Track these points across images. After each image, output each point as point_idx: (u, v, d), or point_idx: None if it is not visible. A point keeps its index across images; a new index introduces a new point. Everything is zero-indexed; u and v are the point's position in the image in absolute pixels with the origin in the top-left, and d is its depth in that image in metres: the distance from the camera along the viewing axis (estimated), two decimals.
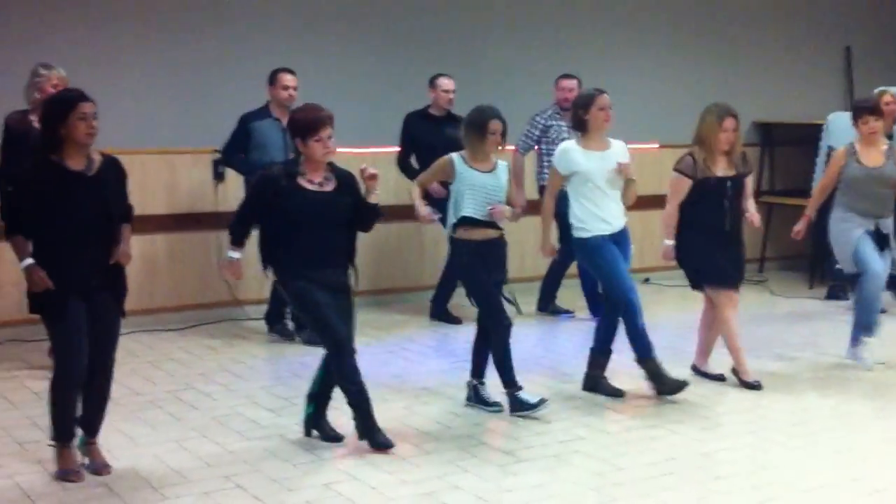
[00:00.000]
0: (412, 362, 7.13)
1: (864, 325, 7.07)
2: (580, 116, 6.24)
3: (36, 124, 6.03)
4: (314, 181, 5.28)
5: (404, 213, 8.35)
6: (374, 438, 5.34)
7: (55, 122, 4.75)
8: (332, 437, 5.50)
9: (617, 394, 6.36)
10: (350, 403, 5.37)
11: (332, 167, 5.37)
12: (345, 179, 5.38)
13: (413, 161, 8.19)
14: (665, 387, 6.26)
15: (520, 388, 5.96)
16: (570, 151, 6.23)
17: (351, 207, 5.34)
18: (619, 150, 6.30)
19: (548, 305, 8.68)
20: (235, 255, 5.41)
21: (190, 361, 7.06)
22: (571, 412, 6.10)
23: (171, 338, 7.68)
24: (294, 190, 5.22)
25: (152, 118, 7.93)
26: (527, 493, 4.92)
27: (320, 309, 5.24)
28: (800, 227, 7.25)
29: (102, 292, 4.90)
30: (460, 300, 7.73)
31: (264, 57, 7.93)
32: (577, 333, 7.90)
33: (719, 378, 6.71)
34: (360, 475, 5.06)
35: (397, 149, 8.30)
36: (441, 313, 8.29)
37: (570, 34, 9.75)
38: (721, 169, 6.42)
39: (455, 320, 8.19)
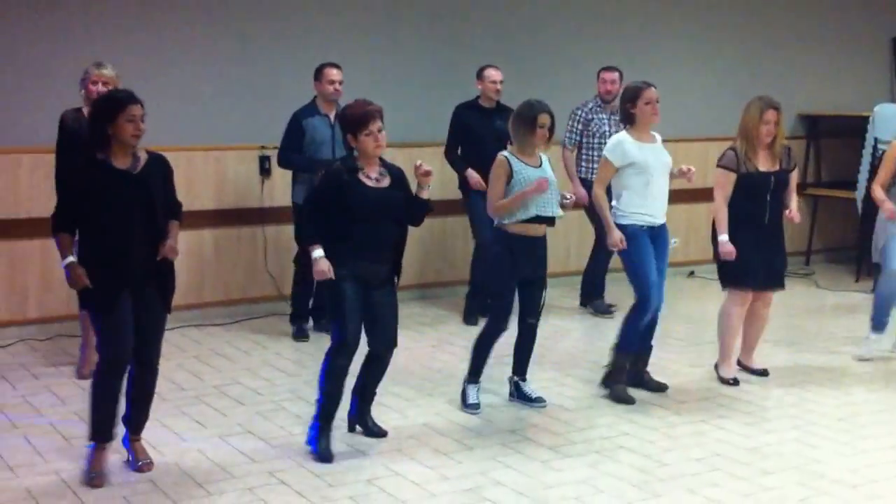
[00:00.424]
0: (456, 357, 7.13)
1: (874, 321, 7.10)
2: (627, 110, 6.20)
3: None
4: (371, 176, 5.29)
5: (450, 207, 8.41)
6: (318, 444, 5.27)
7: (103, 122, 4.79)
8: (375, 432, 5.52)
9: (660, 388, 6.36)
10: (318, 401, 5.32)
11: (383, 162, 5.39)
12: (397, 175, 5.39)
13: (459, 152, 8.21)
14: (611, 392, 6.23)
15: (478, 384, 6.03)
16: (624, 143, 6.17)
17: (403, 203, 5.36)
18: (662, 147, 6.28)
19: (589, 301, 8.65)
20: (319, 252, 5.25)
21: (236, 356, 7.11)
22: (615, 407, 6.08)
23: (218, 332, 7.74)
24: (355, 185, 5.23)
25: (199, 115, 7.98)
26: (570, 489, 4.91)
27: (344, 303, 5.22)
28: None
29: (148, 288, 4.94)
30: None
31: (310, 52, 7.95)
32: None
33: (763, 373, 6.66)
34: (402, 470, 5.08)
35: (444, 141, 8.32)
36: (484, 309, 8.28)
37: (614, 25, 9.69)
38: (763, 163, 6.37)
39: None
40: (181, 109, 7.81)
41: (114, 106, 4.81)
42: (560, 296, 8.89)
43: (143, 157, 4.93)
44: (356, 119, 5.23)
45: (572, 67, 9.23)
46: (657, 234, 6.23)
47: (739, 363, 6.76)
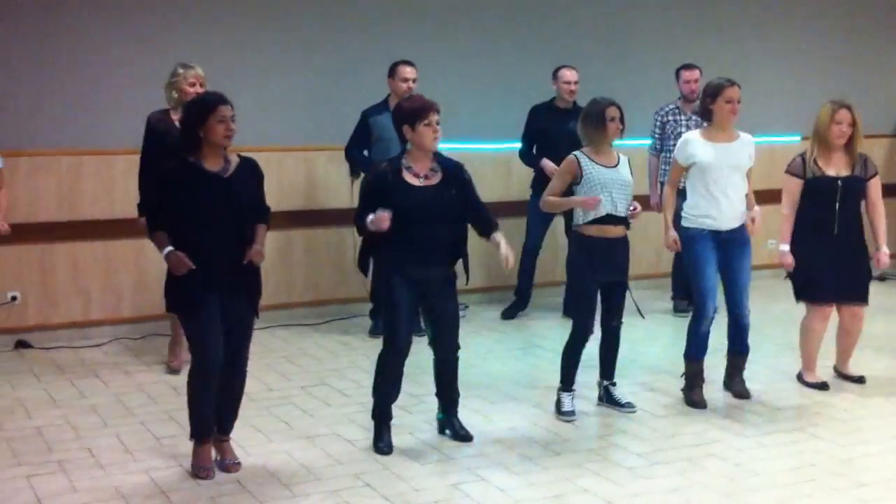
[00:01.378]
0: (543, 360, 7.06)
1: None
2: (706, 105, 6.05)
3: (176, 124, 6.19)
4: (420, 175, 5.23)
5: (525, 209, 8.31)
6: (376, 445, 5.36)
7: (195, 124, 4.84)
8: (462, 435, 5.48)
9: (742, 395, 6.22)
10: (374, 395, 5.39)
11: (438, 158, 5.31)
12: (451, 171, 5.31)
13: (534, 152, 8.17)
14: (685, 396, 6.14)
15: (571, 391, 5.93)
16: (690, 142, 6.07)
17: (457, 200, 5.26)
18: (746, 144, 6.09)
19: (677, 302, 8.52)
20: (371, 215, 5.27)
21: (324, 357, 7.14)
22: (706, 414, 5.96)
23: (307, 333, 7.79)
24: (398, 185, 5.18)
25: (289, 116, 8.05)
26: (658, 498, 4.82)
27: (397, 309, 5.24)
28: None
29: (236, 291, 4.96)
30: None
31: (399, 53, 7.94)
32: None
33: (859, 380, 6.46)
34: (488, 476, 5.03)
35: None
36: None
37: (708, 22, 9.52)
38: (834, 168, 6.20)
39: None
40: (270, 110, 7.88)
41: (204, 108, 4.85)
42: (652, 298, 8.75)
43: (235, 160, 4.97)
44: (415, 110, 5.19)
45: (663, 65, 9.08)
46: (730, 238, 6.03)
47: (835, 369, 6.58)
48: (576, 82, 8.03)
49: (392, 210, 5.07)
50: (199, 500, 4.75)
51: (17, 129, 7.21)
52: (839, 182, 6.18)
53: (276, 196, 7.90)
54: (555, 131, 7.90)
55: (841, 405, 6.10)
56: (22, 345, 7.27)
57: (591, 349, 6.00)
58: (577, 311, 5.99)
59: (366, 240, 5.35)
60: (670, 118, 8.21)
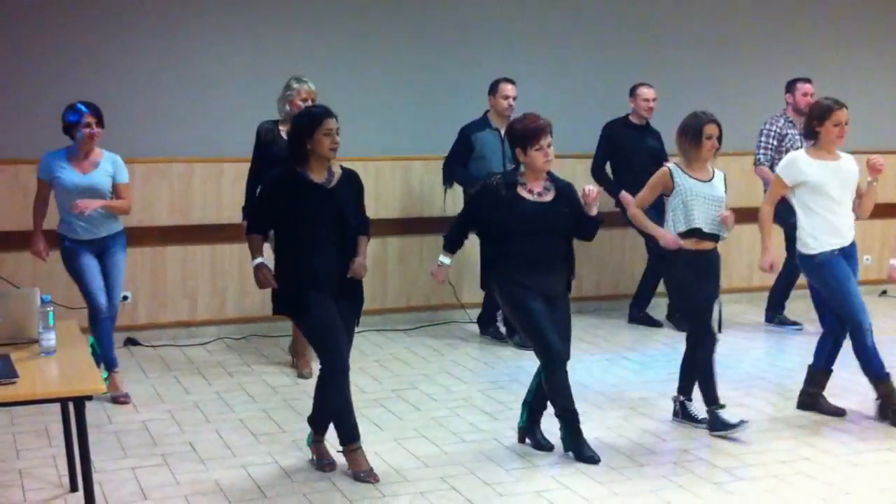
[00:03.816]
0: (632, 371, 7.12)
1: None
2: (813, 127, 5.99)
3: (283, 135, 6.45)
4: (534, 191, 5.36)
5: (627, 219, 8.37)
6: (580, 452, 5.40)
7: (302, 137, 5.02)
8: (543, 445, 5.55)
9: (837, 413, 6.14)
10: (557, 416, 5.45)
11: (550, 177, 5.44)
12: (564, 190, 5.43)
13: (608, 168, 8.23)
14: (894, 417, 6.00)
15: (722, 407, 5.82)
16: (798, 161, 5.96)
17: (569, 217, 5.38)
18: (849, 160, 6.03)
19: (774, 316, 8.44)
20: (446, 260, 5.54)
21: (415, 362, 7.31)
22: (796, 430, 5.93)
23: (399, 338, 7.96)
24: (513, 200, 5.30)
25: (390, 127, 8.23)
26: None
27: (533, 318, 5.29)
28: None
29: (340, 300, 5.09)
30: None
31: (488, 65, 8.08)
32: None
33: None
34: (571, 484, 5.12)
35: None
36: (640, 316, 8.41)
37: (807, 34, 9.45)
38: None
39: (656, 323, 8.31)
40: (372, 121, 8.07)
41: (311, 121, 5.03)
42: (743, 312, 8.76)
43: (338, 171, 5.14)
44: (526, 133, 5.29)
45: (759, 79, 9.05)
46: (848, 254, 5.99)
47: None
48: (654, 99, 8.09)
49: (504, 224, 5.24)
50: (293, 495, 4.93)
51: (132, 137, 7.50)
52: None
53: (373, 204, 8.11)
54: (631, 148, 8.02)
55: None
56: (131, 342, 7.60)
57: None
58: (695, 327, 5.84)
59: (486, 258, 5.44)
60: (788, 131, 8.03)
